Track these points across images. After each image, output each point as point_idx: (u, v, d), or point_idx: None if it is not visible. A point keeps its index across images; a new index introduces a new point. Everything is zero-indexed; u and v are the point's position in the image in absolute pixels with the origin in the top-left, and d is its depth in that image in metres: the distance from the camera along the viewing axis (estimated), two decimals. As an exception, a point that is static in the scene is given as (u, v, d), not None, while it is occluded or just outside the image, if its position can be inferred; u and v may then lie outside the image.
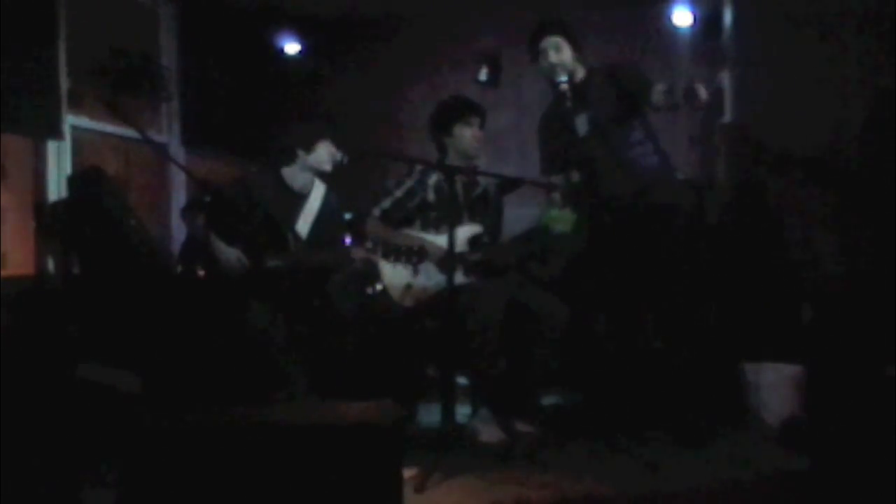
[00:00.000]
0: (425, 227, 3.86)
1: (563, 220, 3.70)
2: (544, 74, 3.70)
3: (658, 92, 3.48)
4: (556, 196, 3.79)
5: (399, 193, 3.90)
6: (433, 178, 3.91)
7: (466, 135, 3.85)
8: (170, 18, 5.54)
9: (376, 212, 3.88)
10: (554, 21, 3.77)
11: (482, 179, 4.01)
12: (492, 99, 5.00)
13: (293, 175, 3.91)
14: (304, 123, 4.01)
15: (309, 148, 3.85)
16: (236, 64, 5.81)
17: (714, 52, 5.33)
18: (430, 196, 3.90)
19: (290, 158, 3.88)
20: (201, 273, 3.76)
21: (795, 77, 4.50)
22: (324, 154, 3.85)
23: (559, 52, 3.67)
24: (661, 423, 3.52)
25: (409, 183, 3.92)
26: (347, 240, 4.23)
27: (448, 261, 3.29)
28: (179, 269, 4.76)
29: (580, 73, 3.76)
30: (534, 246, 3.92)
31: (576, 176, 3.71)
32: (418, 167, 3.93)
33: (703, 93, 3.25)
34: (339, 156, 3.83)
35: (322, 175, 3.98)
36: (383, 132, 6.08)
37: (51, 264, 4.37)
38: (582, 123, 3.64)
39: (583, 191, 3.65)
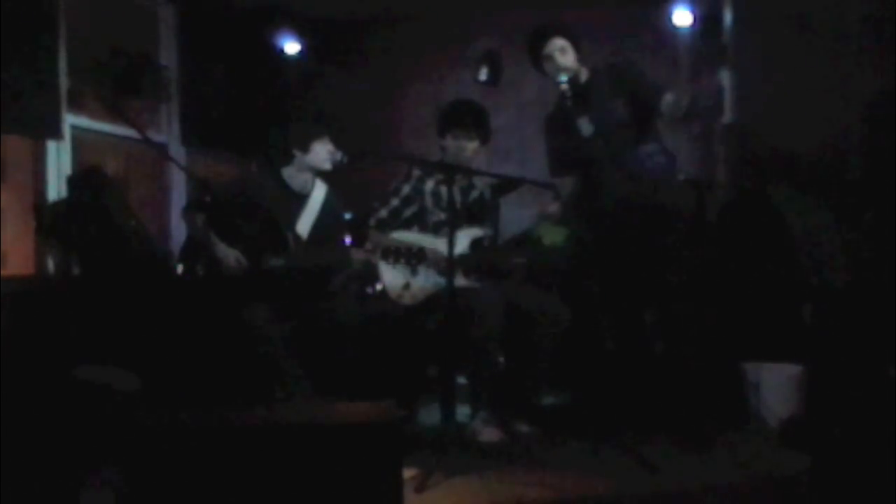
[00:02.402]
0: (423, 231, 3.87)
1: (553, 234, 3.70)
2: (549, 75, 3.71)
3: (667, 103, 3.51)
4: (554, 209, 3.78)
5: (396, 202, 3.91)
6: (430, 184, 3.91)
7: (451, 146, 3.85)
8: (170, 18, 5.53)
9: (372, 222, 3.89)
10: (557, 24, 3.77)
11: (478, 183, 4.02)
12: (492, 99, 5.01)
13: (292, 175, 3.92)
14: (299, 123, 4.01)
15: (305, 148, 3.84)
16: (236, 64, 5.80)
17: (714, 52, 5.33)
18: (428, 201, 3.90)
19: (288, 159, 3.88)
20: (201, 273, 3.76)
21: (795, 77, 4.50)
22: (321, 153, 3.84)
23: (564, 55, 3.67)
24: (662, 423, 3.52)
25: (405, 190, 3.92)
26: (347, 240, 4.23)
27: (448, 263, 3.28)
28: (179, 269, 4.76)
29: (584, 74, 3.76)
30: (524, 256, 3.92)
31: (577, 182, 3.72)
32: (415, 172, 3.94)
33: (707, 100, 3.29)
34: (338, 155, 3.83)
35: (323, 175, 3.98)
36: (383, 132, 6.08)
37: (51, 264, 4.37)
38: (585, 124, 3.64)
39: (585, 192, 3.66)
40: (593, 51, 4.04)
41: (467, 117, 3.87)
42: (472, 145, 3.85)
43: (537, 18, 3.87)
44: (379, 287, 3.92)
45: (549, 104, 3.93)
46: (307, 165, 3.88)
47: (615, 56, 4.41)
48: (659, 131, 3.78)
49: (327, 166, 3.87)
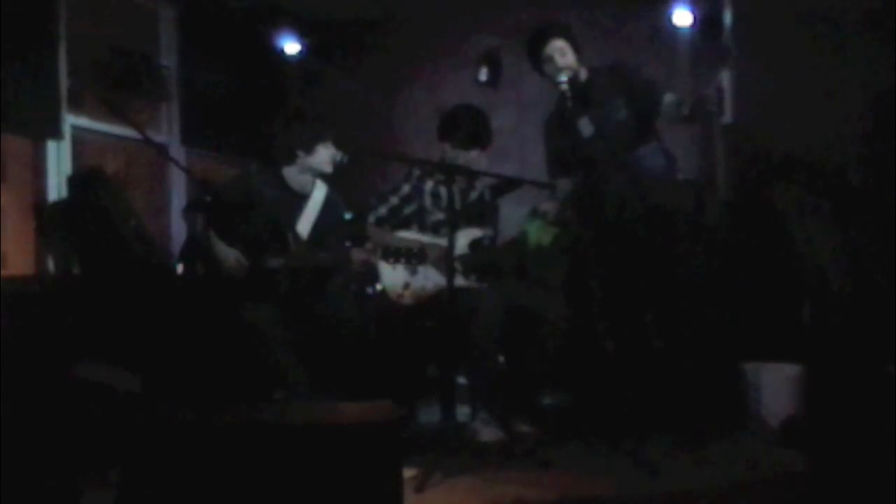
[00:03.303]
0: (423, 231, 3.87)
1: (542, 231, 3.69)
2: (548, 77, 3.72)
3: (668, 104, 3.52)
4: (547, 207, 3.78)
5: (395, 200, 3.92)
6: (430, 184, 3.92)
7: (448, 152, 3.86)
8: (170, 18, 5.53)
9: (371, 219, 3.89)
10: (556, 25, 3.77)
11: (477, 183, 4.02)
12: (492, 99, 5.00)
13: (293, 176, 3.91)
14: (304, 125, 4.00)
15: (309, 150, 3.84)
16: (237, 64, 5.81)
17: (714, 52, 5.33)
18: (427, 201, 3.91)
19: (291, 159, 3.88)
20: (201, 273, 3.76)
21: (795, 77, 4.50)
22: (324, 156, 3.84)
23: (564, 56, 3.69)
24: (662, 423, 3.52)
25: (405, 189, 3.93)
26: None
27: (448, 263, 3.29)
28: (180, 269, 4.76)
29: (583, 74, 3.77)
30: (511, 258, 3.92)
31: (576, 183, 3.72)
32: (415, 172, 3.95)
33: (710, 106, 3.31)
34: (339, 156, 3.83)
35: (323, 175, 3.98)
36: (383, 132, 6.08)
37: (51, 264, 4.37)
38: (586, 125, 3.65)
39: (584, 193, 3.66)
40: (593, 51, 4.04)
41: (466, 128, 3.88)
42: (470, 155, 3.86)
43: (537, 18, 3.87)
44: (379, 287, 3.93)
45: (550, 104, 3.93)
46: (309, 167, 3.88)
47: (615, 56, 4.41)
48: (658, 132, 3.78)
49: (328, 169, 3.87)
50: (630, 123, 3.68)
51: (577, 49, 3.74)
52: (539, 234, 3.70)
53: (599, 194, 3.63)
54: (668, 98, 3.57)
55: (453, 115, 3.95)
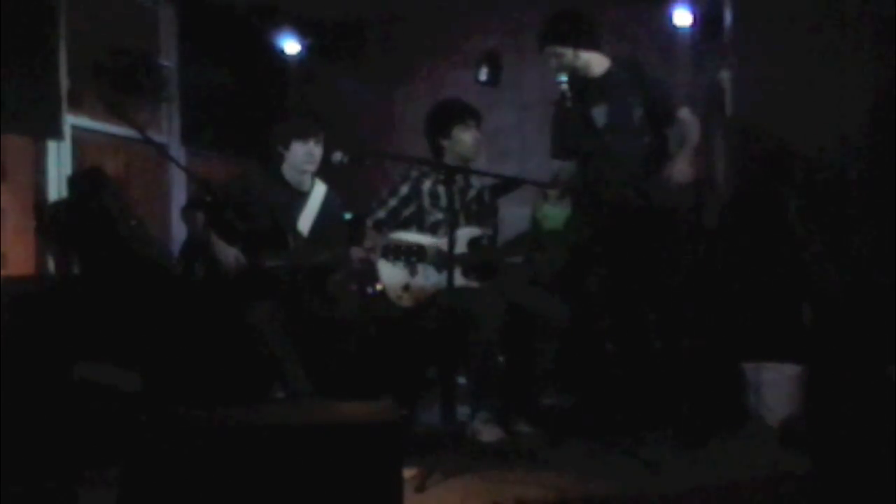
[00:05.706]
0: (422, 231, 3.87)
1: (554, 216, 3.70)
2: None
3: (681, 121, 3.56)
4: (552, 191, 3.79)
5: (394, 202, 3.91)
6: (427, 184, 3.91)
7: (465, 137, 3.87)
8: (170, 18, 5.54)
9: (369, 222, 3.89)
10: (552, 30, 3.76)
11: (476, 182, 4.02)
12: (492, 99, 5.01)
13: (288, 173, 3.92)
14: (284, 122, 4.04)
15: (286, 146, 3.86)
16: (236, 64, 5.81)
17: (714, 52, 5.34)
18: (426, 201, 3.90)
19: (279, 157, 3.91)
20: (201, 273, 3.76)
21: (795, 76, 4.50)
22: (301, 153, 3.84)
23: (559, 59, 3.70)
24: (661, 423, 3.52)
25: (403, 190, 3.92)
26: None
27: (447, 262, 3.28)
28: (180, 269, 4.76)
29: (598, 67, 3.76)
30: (525, 245, 3.92)
31: (577, 168, 3.73)
32: (413, 173, 3.94)
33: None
34: (338, 156, 3.81)
35: (322, 174, 3.98)
36: (383, 132, 6.08)
37: (51, 264, 4.38)
38: (593, 117, 3.67)
39: (586, 184, 3.66)
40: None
41: (469, 109, 3.94)
42: (478, 134, 3.89)
43: (539, 18, 3.87)
44: (379, 287, 3.93)
45: (550, 104, 3.93)
46: (291, 164, 3.88)
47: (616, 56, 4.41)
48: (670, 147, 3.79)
49: (309, 167, 3.87)
50: (643, 126, 3.68)
51: (588, 44, 3.73)
52: (553, 218, 3.70)
53: (600, 187, 3.63)
54: (683, 112, 3.62)
55: (450, 103, 4.02)
